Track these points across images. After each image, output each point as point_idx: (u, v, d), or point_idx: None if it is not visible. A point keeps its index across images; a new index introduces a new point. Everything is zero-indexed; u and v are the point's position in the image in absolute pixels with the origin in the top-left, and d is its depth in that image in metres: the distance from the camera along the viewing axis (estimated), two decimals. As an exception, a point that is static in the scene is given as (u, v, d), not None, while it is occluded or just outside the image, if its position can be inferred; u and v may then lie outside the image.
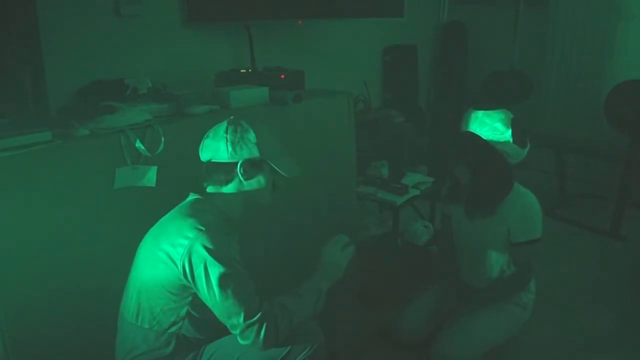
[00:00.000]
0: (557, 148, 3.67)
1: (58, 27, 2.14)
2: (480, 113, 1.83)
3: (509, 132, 1.78)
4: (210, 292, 1.30)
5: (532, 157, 1.89)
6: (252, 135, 1.44)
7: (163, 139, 1.75)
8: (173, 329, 1.39)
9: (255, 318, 1.30)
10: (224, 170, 1.45)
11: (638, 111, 3.03)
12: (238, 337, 1.33)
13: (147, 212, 1.52)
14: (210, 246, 1.30)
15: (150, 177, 1.74)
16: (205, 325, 1.42)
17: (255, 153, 1.45)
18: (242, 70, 2.67)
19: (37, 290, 1.53)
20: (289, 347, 1.40)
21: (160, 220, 1.47)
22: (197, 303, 1.37)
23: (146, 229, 1.48)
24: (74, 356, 1.62)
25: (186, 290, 1.36)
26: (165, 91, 2.16)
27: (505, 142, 1.79)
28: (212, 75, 2.71)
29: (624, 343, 2.20)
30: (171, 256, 1.33)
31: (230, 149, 1.42)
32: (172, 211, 1.47)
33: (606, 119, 3.27)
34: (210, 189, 1.49)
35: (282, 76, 2.63)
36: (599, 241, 3.18)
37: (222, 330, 1.39)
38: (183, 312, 1.39)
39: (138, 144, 1.70)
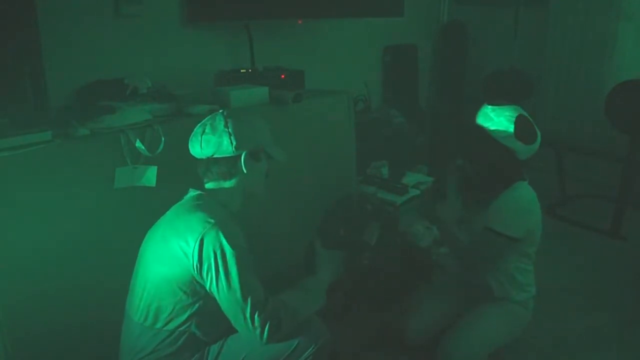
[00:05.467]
0: (557, 148, 3.66)
1: (58, 27, 2.14)
2: (489, 108, 1.84)
3: (512, 127, 1.79)
4: (220, 284, 1.31)
5: (532, 157, 1.88)
6: (251, 126, 1.46)
7: (163, 139, 1.75)
8: (183, 327, 1.39)
9: (260, 314, 1.32)
10: (227, 164, 1.46)
11: (638, 111, 3.03)
12: (242, 331, 1.34)
13: (147, 212, 1.52)
14: (221, 238, 1.31)
15: (150, 177, 1.75)
16: (214, 324, 1.42)
17: (256, 143, 1.46)
18: (242, 70, 2.67)
19: (37, 290, 1.54)
20: (294, 345, 1.40)
21: (162, 218, 1.46)
22: (208, 302, 1.37)
23: (146, 228, 1.47)
24: (74, 356, 1.62)
25: (198, 287, 1.36)
26: (165, 91, 2.16)
27: (509, 137, 1.79)
28: (212, 75, 2.71)
29: (624, 343, 2.20)
30: (184, 250, 1.33)
31: (234, 142, 1.43)
32: (174, 208, 1.46)
33: (606, 119, 3.27)
34: (210, 185, 1.49)
35: (282, 76, 2.63)
36: (599, 241, 3.18)
37: (230, 330, 1.40)
38: (194, 310, 1.38)
39: (138, 144, 1.71)
